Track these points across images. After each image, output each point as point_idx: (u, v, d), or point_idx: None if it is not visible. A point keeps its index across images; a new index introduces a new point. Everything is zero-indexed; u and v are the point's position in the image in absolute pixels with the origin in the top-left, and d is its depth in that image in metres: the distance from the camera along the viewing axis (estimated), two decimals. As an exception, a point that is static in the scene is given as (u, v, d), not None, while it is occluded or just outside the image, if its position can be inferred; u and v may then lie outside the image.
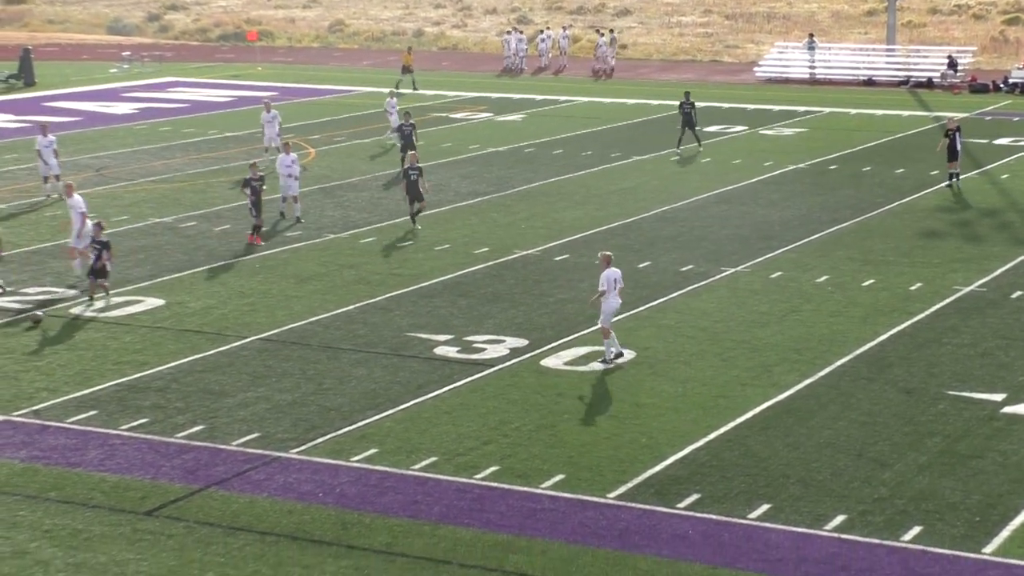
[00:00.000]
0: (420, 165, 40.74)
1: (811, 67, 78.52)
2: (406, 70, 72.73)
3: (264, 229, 39.43)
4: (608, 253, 28.79)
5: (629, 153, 53.70)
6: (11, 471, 22.59)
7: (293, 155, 41.90)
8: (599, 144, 55.90)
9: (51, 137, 44.42)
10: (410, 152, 42.51)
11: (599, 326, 28.33)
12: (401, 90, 69.75)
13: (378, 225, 40.71)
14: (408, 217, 40.78)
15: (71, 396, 26.29)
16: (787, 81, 77.83)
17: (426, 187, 40.71)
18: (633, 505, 21.35)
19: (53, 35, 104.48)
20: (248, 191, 38.41)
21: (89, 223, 34.17)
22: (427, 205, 41.15)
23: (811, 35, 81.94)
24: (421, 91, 71.33)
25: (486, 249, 38.14)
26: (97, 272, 32.85)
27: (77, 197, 35.49)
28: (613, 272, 28.18)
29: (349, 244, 38.63)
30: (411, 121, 48.76)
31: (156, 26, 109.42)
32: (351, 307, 32.45)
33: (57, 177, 44.15)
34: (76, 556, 19.46)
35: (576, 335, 30.29)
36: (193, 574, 18.92)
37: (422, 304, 32.77)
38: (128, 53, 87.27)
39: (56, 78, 77.55)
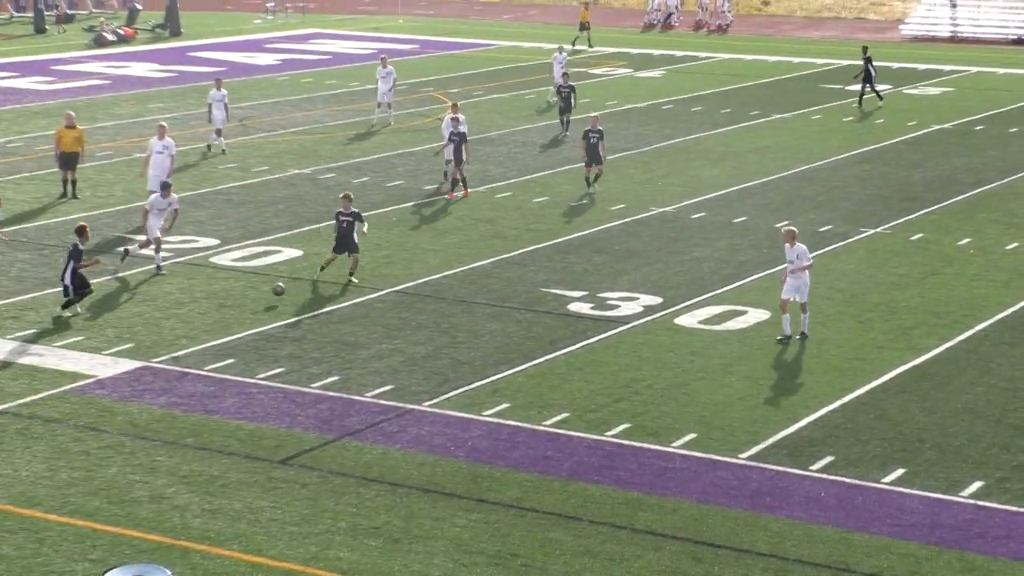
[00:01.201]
0: (601, 128, 39.88)
1: (953, 24, 76.90)
2: (583, 27, 71.67)
3: (400, 185, 39.60)
4: (792, 229, 27.60)
5: (769, 111, 53.10)
6: (151, 416, 23.01)
7: (462, 116, 40.61)
8: (738, 102, 55.34)
9: (224, 91, 44.69)
10: (593, 115, 41.45)
11: (782, 298, 27.17)
12: (578, 46, 69.30)
13: (514, 180, 40.71)
14: (584, 179, 39.68)
15: (210, 344, 26.68)
16: (933, 39, 76.36)
17: (603, 151, 39.69)
18: (765, 466, 21.19)
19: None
20: (450, 141, 38.67)
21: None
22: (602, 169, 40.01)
23: None
24: (579, 47, 71.07)
25: (622, 206, 37.97)
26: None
27: (169, 140, 36.74)
28: (799, 247, 27.04)
29: (486, 199, 38.68)
30: (570, 82, 48.38)
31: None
32: (486, 261, 32.52)
33: (219, 131, 44.48)
34: (212, 502, 19.77)
35: (711, 294, 30.08)
36: (326, 523, 19.14)
37: (557, 260, 32.74)
38: (272, 4, 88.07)
39: (201, 28, 78.51)
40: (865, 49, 54.40)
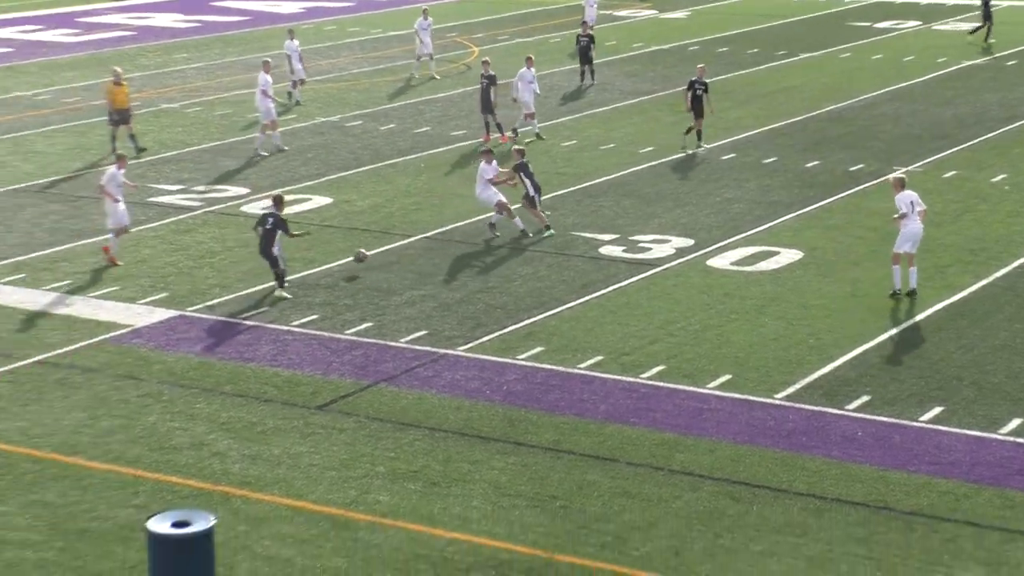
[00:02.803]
0: (707, 80, 37.86)
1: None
2: None
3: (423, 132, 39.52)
4: (901, 176, 26.54)
5: (796, 51, 52.79)
6: (188, 365, 23.10)
7: (533, 70, 39.53)
8: (765, 42, 55.02)
9: (296, 41, 44.39)
10: (699, 65, 38.98)
11: (894, 251, 26.03)
12: None
13: (542, 124, 40.57)
14: (688, 133, 37.78)
15: (243, 292, 26.74)
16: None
17: (712, 107, 37.81)
18: (801, 406, 21.18)
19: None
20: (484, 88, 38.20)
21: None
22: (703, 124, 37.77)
23: None
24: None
25: (651, 148, 37.85)
26: None
27: (265, 76, 37.56)
28: (909, 194, 25.98)
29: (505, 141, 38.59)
30: (588, 31, 47.39)
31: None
32: (515, 206, 32.43)
33: (302, 82, 44.26)
34: (251, 448, 19.87)
35: (743, 235, 29.99)
36: (364, 468, 19.22)
37: (587, 203, 32.67)
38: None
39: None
40: None
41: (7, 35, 58.93)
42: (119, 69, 38.68)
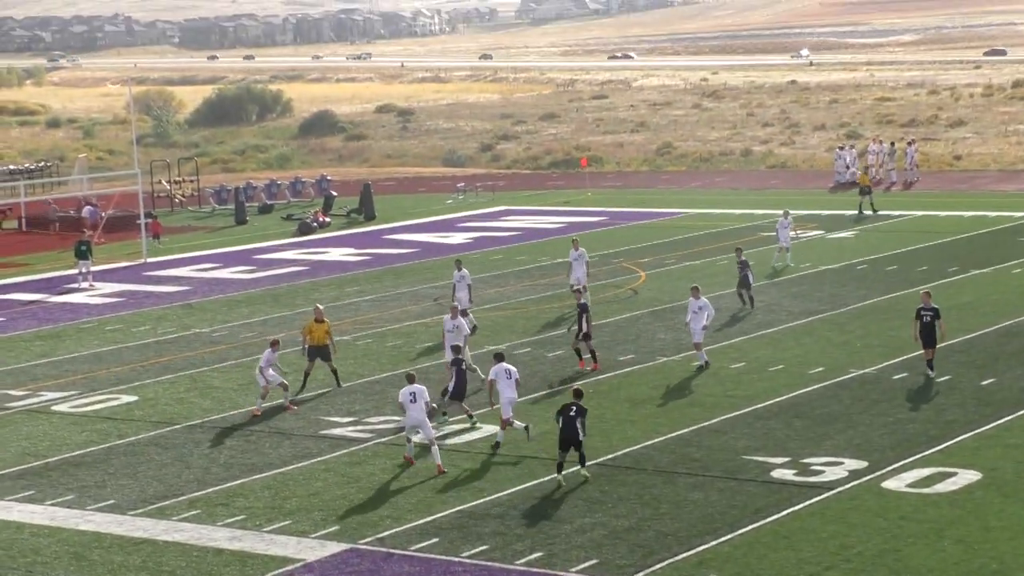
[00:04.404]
0: (935, 306, 36.09)
1: None
2: (864, 191, 68.90)
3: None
4: None
5: (967, 267, 52.26)
6: (357, 598, 23.13)
7: (703, 299, 38.79)
8: (935, 258, 54.60)
9: (465, 271, 45.04)
10: (923, 291, 37.76)
11: None
12: (865, 212, 68.00)
13: (710, 347, 40.48)
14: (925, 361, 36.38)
15: (414, 524, 26.82)
16: None
17: (943, 331, 35.97)
18: (986, 635, 20.44)
19: (391, 169, 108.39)
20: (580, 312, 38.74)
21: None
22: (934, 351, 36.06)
23: None
24: (746, 211, 71.00)
25: (821, 369, 37.50)
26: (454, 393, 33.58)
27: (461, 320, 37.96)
28: None
29: (682, 367, 38.51)
30: (743, 258, 46.48)
31: (488, 156, 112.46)
32: (685, 430, 32.29)
33: (464, 312, 44.72)
34: None
35: (918, 456, 29.39)
36: None
37: (757, 426, 32.37)
38: (462, 184, 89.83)
39: (395, 211, 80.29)
40: None
41: (187, 274, 60.86)
42: (321, 307, 39.30)
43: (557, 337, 43.46)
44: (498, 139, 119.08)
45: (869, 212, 67.83)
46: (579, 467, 29.04)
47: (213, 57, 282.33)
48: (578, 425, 28.53)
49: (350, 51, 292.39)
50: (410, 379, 31.02)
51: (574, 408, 28.72)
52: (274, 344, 36.25)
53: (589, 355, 38.84)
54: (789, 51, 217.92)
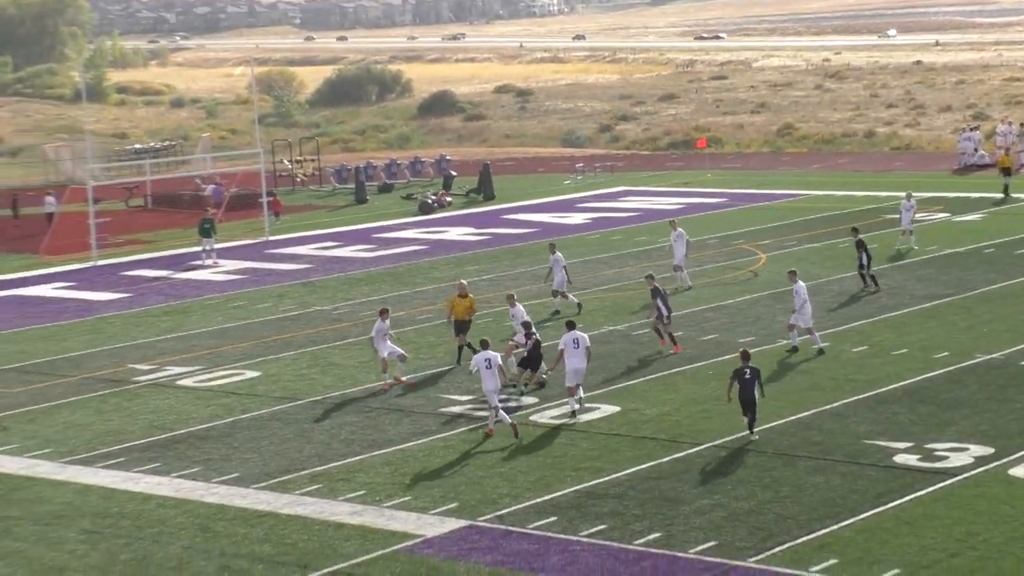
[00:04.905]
0: None
1: None
2: (1006, 172, 67.70)
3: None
4: None
5: (1097, 250, 51.24)
6: (478, 575, 23.23)
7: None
8: (1064, 241, 53.56)
9: (560, 254, 44.95)
10: None
11: None
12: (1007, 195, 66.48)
13: (831, 330, 40.10)
14: None
15: (532, 502, 26.88)
16: None
17: None
18: (1115, 625, 20.07)
19: (510, 149, 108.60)
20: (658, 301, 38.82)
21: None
22: None
23: None
24: (870, 193, 70.14)
25: (946, 353, 36.98)
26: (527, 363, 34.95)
27: (519, 307, 37.22)
28: None
29: (802, 350, 38.14)
30: (859, 236, 46.08)
31: (607, 136, 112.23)
32: (806, 413, 32.01)
33: (564, 295, 45.32)
34: (540, 661, 19.76)
35: (1045, 442, 28.90)
36: None
37: (880, 410, 32.01)
38: (581, 164, 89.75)
39: (513, 191, 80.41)
40: None
41: (307, 252, 61.46)
42: (464, 283, 39.61)
43: (678, 318, 43.22)
44: (617, 120, 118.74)
45: (1003, 195, 66.37)
46: (748, 432, 30.04)
47: (342, 38, 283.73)
48: (755, 387, 29.80)
49: (453, 31, 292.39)
50: (484, 345, 31.71)
51: (748, 371, 29.79)
52: (383, 312, 36.65)
53: (668, 337, 38.97)
54: (910, 31, 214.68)
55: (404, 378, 36.67)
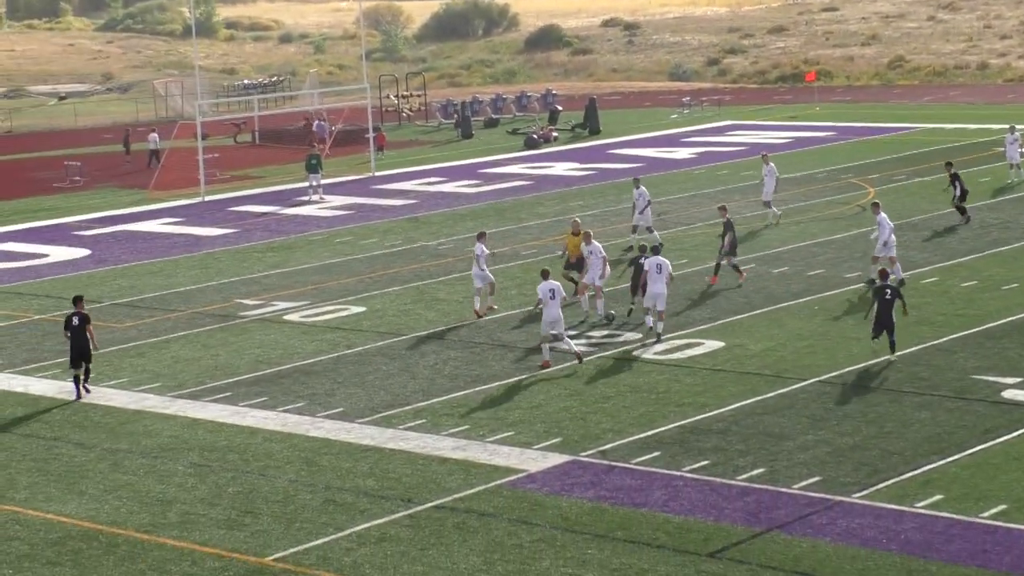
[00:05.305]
0: None
1: None
2: None
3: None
4: None
5: None
6: (580, 510, 23.32)
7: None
8: None
9: (643, 189, 44.78)
10: None
11: None
12: None
13: (940, 265, 39.60)
14: None
15: (635, 437, 26.88)
16: None
17: None
18: None
19: (616, 84, 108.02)
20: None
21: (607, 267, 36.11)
22: None
23: None
24: (982, 126, 68.93)
25: (1057, 288, 36.40)
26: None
27: (596, 244, 36.55)
28: None
29: (911, 285, 37.69)
30: (953, 171, 45.54)
31: (715, 70, 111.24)
32: (913, 348, 31.67)
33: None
34: (641, 595, 19.82)
35: None
36: (755, 618, 18.90)
37: (988, 346, 31.59)
38: (688, 98, 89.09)
39: (619, 126, 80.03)
40: None
41: (413, 187, 61.66)
42: (578, 219, 39.60)
43: (784, 253, 42.93)
44: (725, 53, 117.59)
45: None
46: (888, 355, 30.37)
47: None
48: (895, 307, 29.95)
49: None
50: (544, 275, 32.12)
51: (888, 291, 29.94)
52: (481, 236, 37.39)
53: (734, 269, 39.12)
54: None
55: (495, 305, 37.40)
